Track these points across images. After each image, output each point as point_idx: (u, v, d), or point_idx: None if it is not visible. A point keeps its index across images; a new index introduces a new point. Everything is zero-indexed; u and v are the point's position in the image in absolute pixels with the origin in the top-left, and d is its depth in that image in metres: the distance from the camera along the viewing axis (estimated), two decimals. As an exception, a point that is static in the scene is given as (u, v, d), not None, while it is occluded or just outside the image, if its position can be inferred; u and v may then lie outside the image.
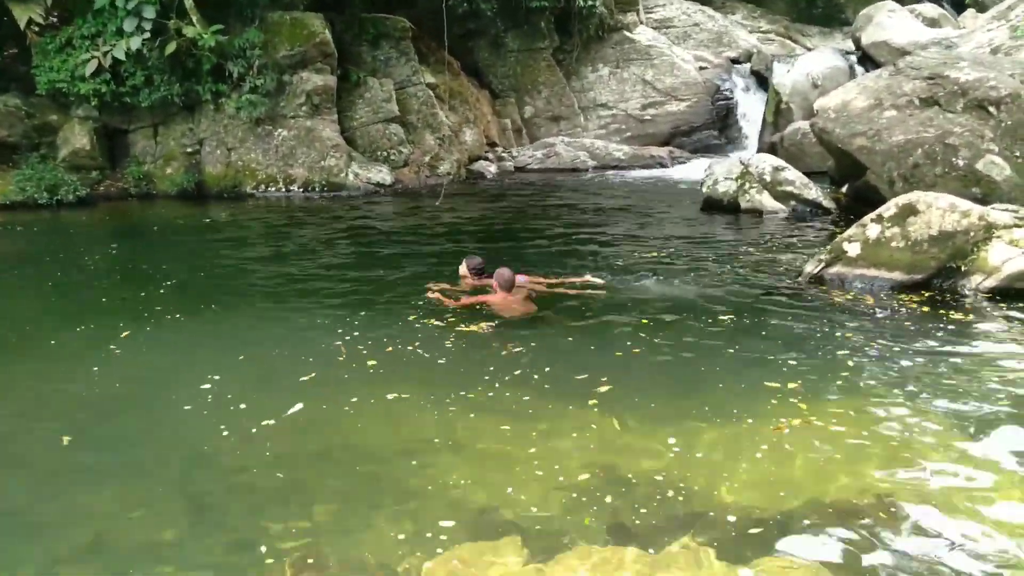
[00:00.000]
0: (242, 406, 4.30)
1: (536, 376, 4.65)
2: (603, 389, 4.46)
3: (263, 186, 12.32)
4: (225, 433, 4.00)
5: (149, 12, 10.87)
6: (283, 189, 12.30)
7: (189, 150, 12.50)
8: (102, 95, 11.52)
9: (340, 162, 12.48)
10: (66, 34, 11.57)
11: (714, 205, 10.11)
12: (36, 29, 11.23)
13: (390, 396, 4.43)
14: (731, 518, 3.18)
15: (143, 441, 4.03)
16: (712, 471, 3.55)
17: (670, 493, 3.37)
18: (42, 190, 11.12)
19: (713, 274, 7.01)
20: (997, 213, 6.39)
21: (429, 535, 3.11)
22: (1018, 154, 8.08)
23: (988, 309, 5.69)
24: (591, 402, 4.29)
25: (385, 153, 13.19)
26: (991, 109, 8.26)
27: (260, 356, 5.14)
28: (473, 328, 5.49)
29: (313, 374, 4.74)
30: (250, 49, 11.80)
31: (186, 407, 4.29)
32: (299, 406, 4.30)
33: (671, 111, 15.95)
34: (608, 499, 3.34)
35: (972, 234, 6.17)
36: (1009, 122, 8.16)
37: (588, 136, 15.74)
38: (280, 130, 12.41)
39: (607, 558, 2.95)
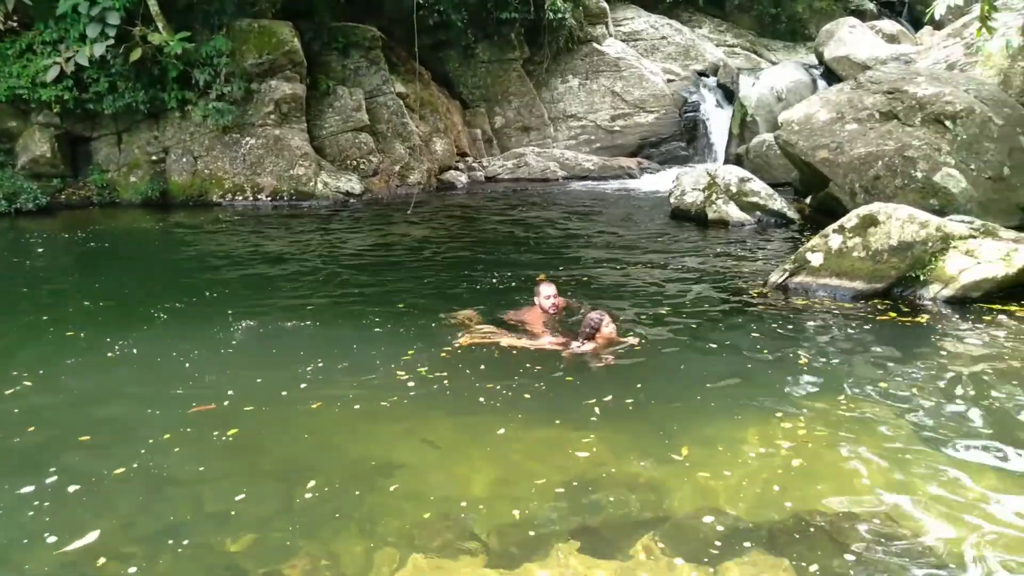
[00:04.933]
0: (179, 421, 4.21)
1: (497, 386, 4.64)
2: (566, 398, 4.48)
3: (230, 195, 12.17)
4: (176, 449, 3.91)
5: (113, 18, 10.71)
6: (251, 198, 12.17)
7: (154, 158, 12.31)
8: (64, 102, 11.31)
9: (309, 171, 12.39)
10: (27, 39, 11.35)
11: (682, 215, 10.25)
12: (-5, 34, 11.02)
13: (356, 406, 4.40)
14: (697, 524, 3.20)
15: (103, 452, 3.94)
16: (679, 478, 3.58)
17: (636, 501, 3.39)
18: (0, 198, 10.87)
19: (680, 283, 7.09)
20: (954, 224, 6.57)
21: (391, 549, 3.08)
22: (973, 167, 8.34)
23: (945, 317, 5.85)
24: (545, 408, 4.31)
25: (355, 162, 13.14)
26: (947, 123, 8.52)
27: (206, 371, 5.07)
28: (454, 347, 5.46)
29: (285, 392, 4.67)
30: (217, 57, 11.69)
31: (82, 437, 4.08)
32: (250, 424, 4.20)
33: (640, 123, 16.15)
34: (574, 508, 3.34)
35: (930, 244, 6.34)
36: (964, 136, 8.42)
37: (558, 146, 15.85)
38: (248, 138, 12.29)
39: (572, 566, 2.96)
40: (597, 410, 4.31)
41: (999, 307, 5.92)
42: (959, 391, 4.48)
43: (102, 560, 3.01)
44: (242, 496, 3.47)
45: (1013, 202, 8.28)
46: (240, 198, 12.17)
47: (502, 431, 4.06)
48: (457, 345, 5.27)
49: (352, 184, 12.64)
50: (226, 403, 4.44)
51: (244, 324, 5.90)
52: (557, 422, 4.17)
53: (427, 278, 7.41)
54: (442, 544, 3.11)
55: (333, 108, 13.17)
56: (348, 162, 13.12)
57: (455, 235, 9.92)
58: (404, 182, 13.40)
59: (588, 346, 5.08)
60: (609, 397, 4.43)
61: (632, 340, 5.27)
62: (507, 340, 5.31)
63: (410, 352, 5.16)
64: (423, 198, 12.67)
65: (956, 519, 3.20)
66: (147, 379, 4.87)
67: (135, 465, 3.73)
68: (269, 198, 12.19)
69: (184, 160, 12.26)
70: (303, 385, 4.68)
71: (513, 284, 6.99)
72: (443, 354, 5.16)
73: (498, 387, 4.60)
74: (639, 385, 4.63)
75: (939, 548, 3.01)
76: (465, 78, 15.90)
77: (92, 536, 3.16)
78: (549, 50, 15.99)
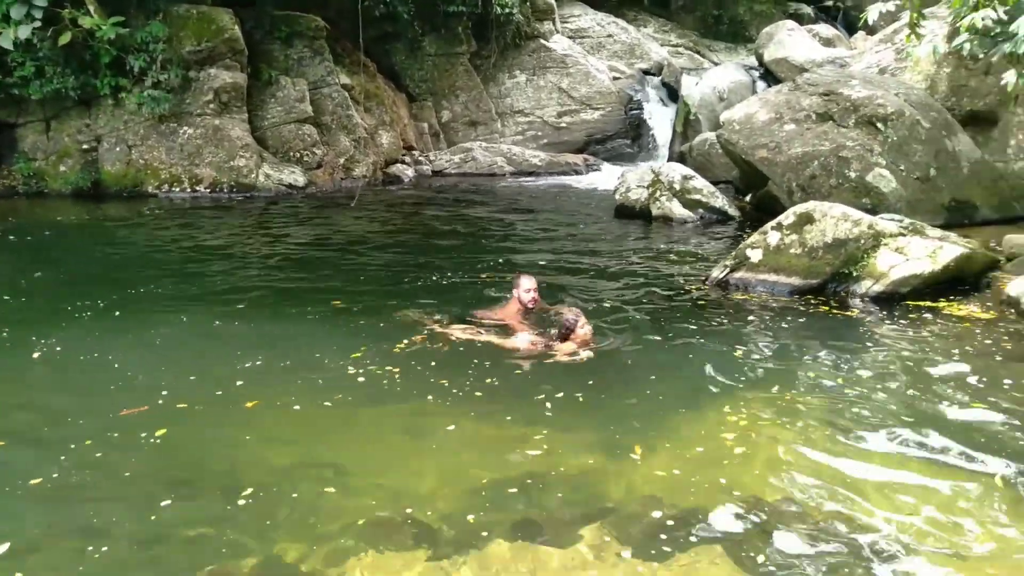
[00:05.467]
0: (105, 424, 4.04)
1: (444, 381, 4.62)
2: (511, 392, 4.49)
3: (167, 186, 11.77)
4: (99, 455, 3.75)
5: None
6: (189, 190, 11.80)
7: (85, 147, 11.80)
8: (-14, 86, 10.76)
9: (250, 162, 12.09)
10: (-55, 19, 10.73)
11: (627, 212, 10.38)
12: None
13: (296, 406, 4.32)
14: (644, 517, 3.25)
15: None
16: (626, 472, 3.64)
17: (583, 495, 3.43)
18: (-85, 187, 10.30)
19: (625, 279, 7.19)
20: (884, 222, 6.84)
21: (333, 548, 3.04)
22: (902, 168, 8.69)
23: (876, 312, 6.08)
24: (497, 404, 4.31)
25: (298, 154, 12.87)
26: (879, 125, 8.86)
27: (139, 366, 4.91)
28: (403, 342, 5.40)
29: (221, 391, 4.55)
30: (153, 43, 11.28)
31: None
32: (182, 426, 4.08)
33: (586, 119, 16.28)
34: (521, 503, 3.36)
35: (862, 242, 6.58)
36: (895, 138, 8.77)
37: (505, 142, 15.86)
38: (186, 128, 11.91)
39: (519, 556, 2.98)
40: (548, 404, 4.34)
41: (926, 303, 6.19)
42: (886, 383, 4.67)
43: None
44: (167, 503, 3.32)
45: (938, 202, 8.67)
46: (177, 189, 11.78)
47: (452, 427, 4.04)
48: (422, 342, 5.17)
49: (295, 176, 12.39)
50: (160, 402, 4.29)
51: (178, 321, 5.70)
52: (508, 418, 4.17)
53: (371, 273, 7.33)
54: (385, 541, 3.08)
55: (276, 98, 12.87)
56: (291, 154, 12.85)
57: (401, 230, 9.83)
58: (349, 175, 13.20)
59: (564, 346, 5.03)
60: (561, 394, 4.45)
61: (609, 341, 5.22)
62: (482, 339, 5.22)
63: (362, 348, 5.08)
64: (368, 192, 12.51)
65: (888, 505, 3.34)
66: (72, 381, 4.67)
67: (54, 475, 3.53)
68: (208, 190, 11.84)
69: (118, 149, 11.80)
70: (240, 383, 4.55)
71: (458, 280, 6.97)
72: (396, 349, 5.10)
73: (449, 384, 4.57)
74: (590, 381, 4.67)
75: (873, 533, 3.13)
76: (412, 71, 15.75)
77: (1, 549, 3.00)
78: (496, 45, 15.97)
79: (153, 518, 3.23)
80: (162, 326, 5.60)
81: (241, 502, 3.34)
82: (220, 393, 4.43)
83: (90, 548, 3.01)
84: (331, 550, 3.02)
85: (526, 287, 5.69)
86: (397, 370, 4.75)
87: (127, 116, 11.75)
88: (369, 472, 3.66)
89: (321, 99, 13.35)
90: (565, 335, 5.05)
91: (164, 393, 4.40)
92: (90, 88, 11.39)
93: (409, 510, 3.28)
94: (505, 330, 5.46)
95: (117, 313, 5.96)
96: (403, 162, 14.49)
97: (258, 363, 4.87)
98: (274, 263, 7.78)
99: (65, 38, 10.47)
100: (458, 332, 5.35)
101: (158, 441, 3.86)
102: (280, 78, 12.91)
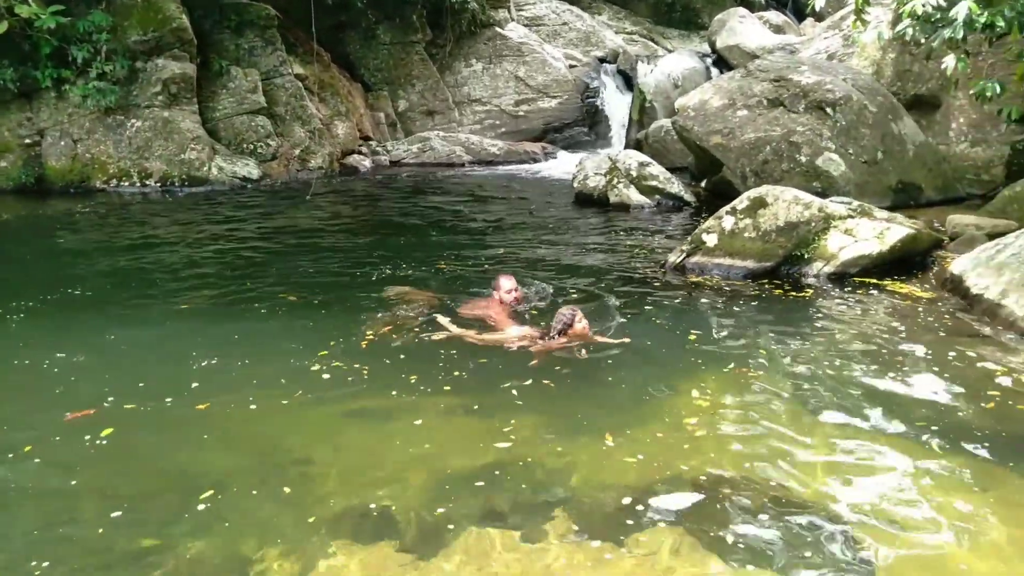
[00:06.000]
0: (47, 430, 3.88)
1: (412, 376, 4.59)
2: (480, 383, 4.50)
3: (115, 181, 11.46)
4: (38, 461, 3.61)
5: (-26, -13, 9.83)
6: (138, 184, 11.50)
7: (28, 141, 11.40)
8: (-82, 78, 10.31)
9: (202, 155, 11.83)
10: None
11: (585, 199, 10.46)
12: None
13: (251, 407, 4.26)
14: (608, 502, 3.29)
15: None
16: (592, 458, 3.68)
17: (549, 483, 3.46)
18: None
19: (584, 266, 7.25)
20: (834, 205, 7.02)
21: (300, 544, 3.01)
22: (851, 151, 8.92)
23: (827, 292, 6.25)
24: (465, 396, 4.30)
25: (252, 146, 12.64)
26: (828, 110, 9.06)
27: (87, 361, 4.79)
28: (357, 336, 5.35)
29: (171, 397, 4.45)
30: (96, 33, 10.94)
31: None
32: (130, 430, 3.94)
33: (543, 107, 16.30)
34: (488, 493, 3.37)
35: (813, 224, 6.75)
36: (843, 122, 8.99)
37: (463, 131, 15.79)
38: (134, 120, 11.59)
39: (485, 549, 3.01)
40: (515, 392, 4.35)
41: (874, 281, 6.39)
42: (838, 361, 4.81)
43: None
44: (118, 513, 3.19)
45: (885, 184, 8.93)
46: (126, 184, 11.47)
47: (419, 422, 4.00)
48: (389, 333, 5.13)
49: (249, 169, 12.16)
50: (107, 405, 4.11)
51: (127, 321, 5.50)
52: (476, 409, 4.16)
53: (328, 266, 7.25)
54: (351, 537, 3.06)
55: (227, 89, 12.60)
56: (245, 146, 12.61)
57: (359, 221, 9.74)
58: (305, 166, 13.01)
59: (560, 341, 5.00)
60: (529, 381, 4.47)
61: (618, 341, 5.06)
62: (476, 336, 5.12)
63: (329, 343, 4.99)
64: (325, 183, 12.35)
65: (844, 479, 3.44)
66: (9, 386, 4.47)
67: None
68: (159, 184, 11.55)
69: (62, 143, 11.43)
70: (195, 384, 4.41)
71: (418, 272, 6.92)
72: (363, 344, 5.03)
73: (417, 378, 4.52)
74: (557, 368, 4.70)
75: (830, 507, 3.23)
76: (367, 60, 15.56)
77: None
78: (452, 33, 15.87)
79: (101, 531, 3.09)
80: (109, 327, 5.40)
81: (200, 507, 3.23)
82: (172, 395, 4.27)
83: (32, 564, 2.85)
84: (296, 550, 2.97)
85: (506, 288, 5.57)
86: (360, 364, 4.69)
87: (71, 109, 11.38)
88: (332, 470, 3.59)
89: (274, 90, 13.12)
90: (563, 330, 5.01)
91: (111, 398, 4.21)
92: (30, 80, 11.00)
93: (373, 505, 3.25)
94: (496, 327, 5.35)
95: (59, 314, 5.72)
96: (360, 153, 14.34)
97: (213, 362, 4.73)
98: (228, 259, 7.64)
99: (1, 28, 10.08)
100: (456, 330, 5.21)
101: (105, 445, 3.70)
102: (231, 68, 12.64)
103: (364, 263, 7.26)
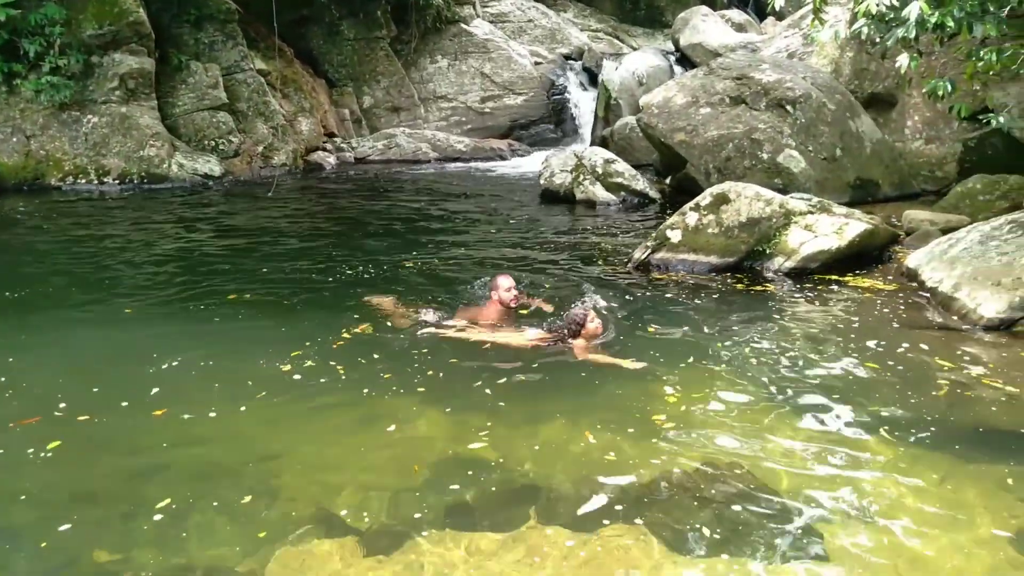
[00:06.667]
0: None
1: (385, 375, 4.56)
2: (455, 383, 4.48)
3: (71, 178, 11.17)
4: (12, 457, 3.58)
5: (-81, -22, 9.49)
6: (96, 181, 11.23)
7: (-23, 137, 11.07)
8: None
9: (162, 152, 11.59)
10: None
11: (551, 196, 10.50)
12: None
13: (211, 414, 4.20)
14: (578, 496, 3.32)
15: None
16: (561, 453, 3.70)
17: (519, 479, 3.47)
18: None
19: (551, 262, 7.28)
20: (795, 201, 7.15)
21: (265, 551, 2.96)
22: (811, 149, 9.09)
23: (788, 287, 6.37)
24: (440, 395, 4.27)
25: (213, 143, 12.42)
26: (788, 108, 9.22)
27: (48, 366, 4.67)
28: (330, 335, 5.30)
29: (127, 399, 4.36)
30: (49, 26, 10.65)
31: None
32: (81, 438, 3.77)
33: (509, 104, 16.30)
34: (457, 490, 3.37)
35: (774, 220, 6.87)
36: (803, 120, 9.15)
37: (429, 128, 15.73)
38: (90, 116, 11.31)
39: (453, 546, 3.01)
40: (488, 391, 4.33)
41: (834, 276, 6.53)
42: (799, 353, 4.91)
43: None
44: (67, 526, 3.06)
45: (844, 180, 9.12)
46: (83, 181, 11.19)
47: (392, 426, 3.94)
48: (363, 331, 5.06)
49: (211, 166, 11.95)
50: (57, 413, 3.96)
51: (81, 324, 5.32)
52: (448, 410, 4.12)
53: (294, 265, 7.16)
54: (317, 542, 3.02)
55: (187, 85, 12.36)
56: (206, 142, 12.39)
57: (324, 218, 9.65)
58: (268, 163, 12.83)
59: (575, 343, 4.91)
60: (503, 380, 4.47)
61: (636, 365, 4.68)
62: (489, 337, 5.00)
63: (298, 343, 4.89)
64: (289, 180, 12.20)
65: (805, 471, 3.52)
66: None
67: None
68: (117, 181, 11.29)
69: (14, 140, 11.10)
70: (156, 390, 4.26)
71: (383, 271, 6.87)
72: (335, 345, 4.95)
73: (390, 378, 4.47)
74: (535, 364, 4.71)
75: (791, 499, 3.30)
76: (330, 56, 15.39)
77: None
78: (417, 29, 15.78)
79: (44, 544, 2.96)
80: (62, 329, 5.22)
81: (157, 516, 3.13)
82: (128, 400, 4.14)
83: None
84: (261, 557, 2.91)
85: (505, 287, 5.45)
86: (332, 365, 4.61)
87: (23, 104, 11.06)
88: (298, 474, 3.51)
89: (236, 85, 12.91)
90: (576, 331, 4.93)
91: (62, 404, 4.05)
92: (-20, 75, 10.68)
93: (344, 512, 3.18)
94: (505, 330, 5.25)
95: (10, 316, 5.52)
96: (325, 149, 14.19)
97: (175, 365, 4.60)
98: (190, 257, 7.50)
99: (-51, 20, 9.77)
100: (471, 334, 5.10)
101: (54, 454, 3.55)
102: (191, 63, 12.40)
103: (330, 261, 7.19)
